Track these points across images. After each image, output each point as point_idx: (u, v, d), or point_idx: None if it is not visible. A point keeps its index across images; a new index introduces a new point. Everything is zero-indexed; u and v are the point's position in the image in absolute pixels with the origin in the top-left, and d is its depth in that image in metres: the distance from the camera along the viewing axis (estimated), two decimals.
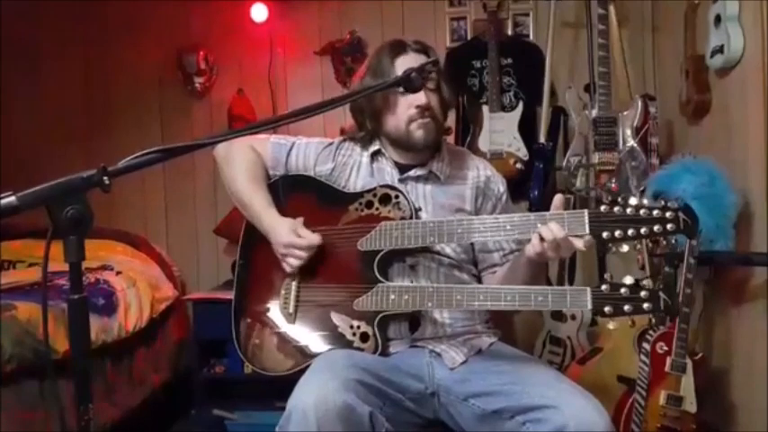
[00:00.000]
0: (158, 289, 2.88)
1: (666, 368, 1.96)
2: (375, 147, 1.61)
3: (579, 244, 1.26)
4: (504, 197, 1.65)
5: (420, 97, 1.50)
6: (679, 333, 1.95)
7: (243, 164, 1.61)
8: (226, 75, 3.25)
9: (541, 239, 1.27)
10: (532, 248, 1.29)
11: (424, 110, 1.52)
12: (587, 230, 1.25)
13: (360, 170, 1.61)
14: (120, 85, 3.31)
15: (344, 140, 1.67)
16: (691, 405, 1.95)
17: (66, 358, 1.84)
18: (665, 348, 1.97)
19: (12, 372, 1.88)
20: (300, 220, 1.52)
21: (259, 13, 3.11)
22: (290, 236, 1.48)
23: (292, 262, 1.49)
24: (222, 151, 1.66)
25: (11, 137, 3.26)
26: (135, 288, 2.68)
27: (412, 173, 1.58)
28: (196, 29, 3.24)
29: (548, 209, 1.31)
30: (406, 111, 1.52)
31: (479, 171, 1.64)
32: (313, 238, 1.47)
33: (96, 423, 0.93)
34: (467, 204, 1.60)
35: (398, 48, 1.54)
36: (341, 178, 1.61)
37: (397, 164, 1.60)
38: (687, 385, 1.95)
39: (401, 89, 1.43)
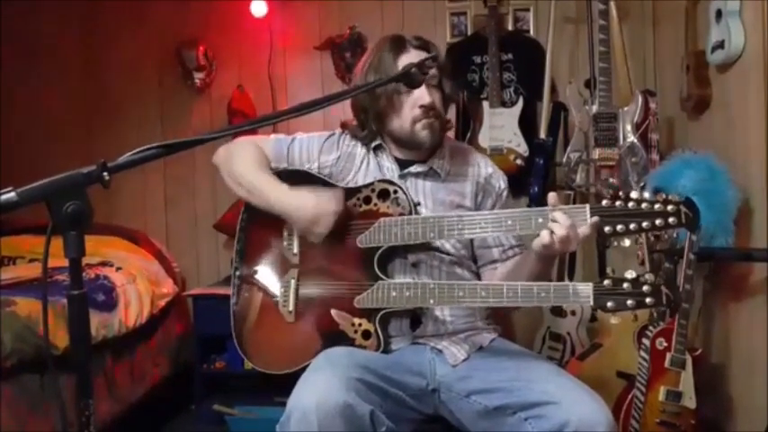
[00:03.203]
0: (158, 285, 2.88)
1: (666, 364, 1.96)
2: (376, 142, 1.60)
3: (585, 229, 1.26)
4: (505, 194, 1.65)
5: (424, 97, 1.48)
6: (679, 329, 1.95)
7: (246, 157, 1.58)
8: (225, 70, 3.25)
9: (551, 233, 1.26)
10: (540, 241, 1.28)
11: (428, 109, 1.50)
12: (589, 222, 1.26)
13: (369, 165, 1.59)
14: (119, 80, 3.30)
15: (345, 132, 1.64)
16: (690, 400, 1.95)
17: (66, 354, 1.84)
18: (665, 344, 1.97)
19: (12, 367, 1.88)
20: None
21: (259, 8, 3.11)
22: (316, 198, 1.44)
23: (321, 230, 1.44)
24: (223, 152, 1.62)
25: (11, 133, 3.25)
26: (135, 284, 2.68)
27: (412, 169, 1.57)
28: (196, 24, 3.23)
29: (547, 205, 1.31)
30: (410, 111, 1.51)
31: (480, 168, 1.64)
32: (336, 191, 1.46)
33: (96, 418, 0.93)
34: (467, 201, 1.59)
35: (400, 45, 1.53)
36: (346, 170, 1.59)
37: (397, 160, 1.59)
38: (686, 381, 1.96)
39: (404, 87, 1.44)
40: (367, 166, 1.59)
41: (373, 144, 1.60)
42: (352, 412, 1.20)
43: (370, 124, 1.57)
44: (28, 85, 3.30)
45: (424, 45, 1.54)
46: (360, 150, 1.61)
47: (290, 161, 1.62)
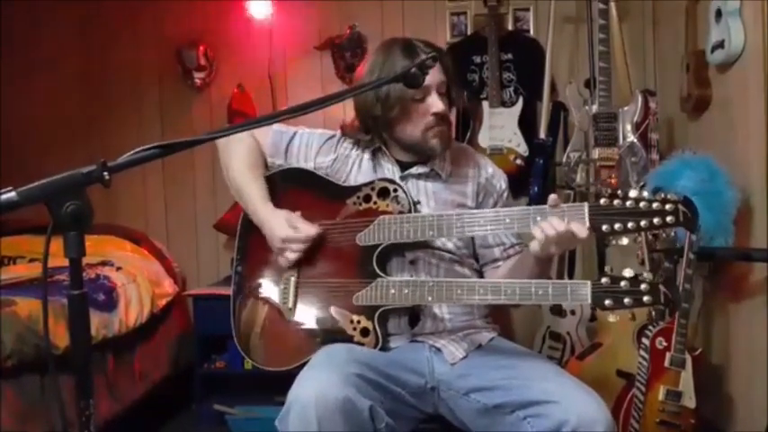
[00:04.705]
0: (159, 284, 2.88)
1: (666, 363, 1.96)
2: (376, 144, 1.59)
3: (582, 232, 1.25)
4: (506, 194, 1.65)
5: (437, 104, 1.49)
6: (678, 328, 1.95)
7: (240, 151, 1.60)
8: (225, 70, 3.25)
9: (543, 234, 1.27)
10: (536, 245, 1.29)
11: (440, 117, 1.50)
12: (587, 223, 1.26)
13: (361, 166, 1.59)
14: (119, 80, 3.30)
15: (345, 135, 1.65)
16: (690, 400, 1.95)
17: (66, 354, 1.84)
18: (665, 344, 1.97)
19: (12, 367, 1.89)
20: (298, 213, 1.51)
21: (259, 8, 3.11)
22: (286, 230, 1.47)
23: (289, 256, 1.48)
24: (223, 140, 1.64)
25: (11, 133, 3.25)
26: (135, 284, 2.69)
27: (413, 170, 1.57)
28: (196, 24, 3.23)
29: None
30: (422, 118, 1.50)
31: (481, 169, 1.64)
32: (310, 230, 1.47)
33: (97, 418, 0.93)
34: (468, 201, 1.59)
35: (412, 51, 1.49)
36: (342, 171, 1.60)
37: (398, 161, 1.59)
38: (686, 380, 1.96)
39: (418, 95, 1.45)
40: (359, 169, 1.59)
41: (373, 147, 1.59)
42: (352, 407, 1.21)
43: (378, 130, 1.56)
44: (28, 85, 3.30)
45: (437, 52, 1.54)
46: (354, 153, 1.61)
47: (288, 155, 1.63)
